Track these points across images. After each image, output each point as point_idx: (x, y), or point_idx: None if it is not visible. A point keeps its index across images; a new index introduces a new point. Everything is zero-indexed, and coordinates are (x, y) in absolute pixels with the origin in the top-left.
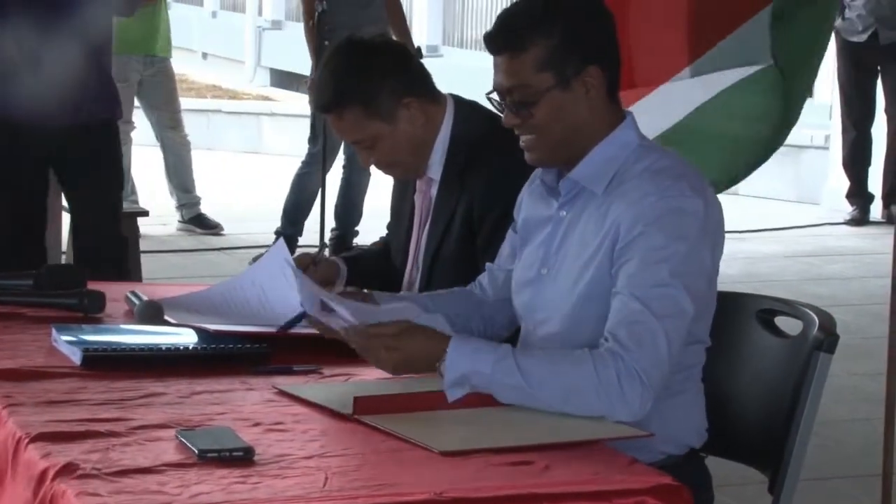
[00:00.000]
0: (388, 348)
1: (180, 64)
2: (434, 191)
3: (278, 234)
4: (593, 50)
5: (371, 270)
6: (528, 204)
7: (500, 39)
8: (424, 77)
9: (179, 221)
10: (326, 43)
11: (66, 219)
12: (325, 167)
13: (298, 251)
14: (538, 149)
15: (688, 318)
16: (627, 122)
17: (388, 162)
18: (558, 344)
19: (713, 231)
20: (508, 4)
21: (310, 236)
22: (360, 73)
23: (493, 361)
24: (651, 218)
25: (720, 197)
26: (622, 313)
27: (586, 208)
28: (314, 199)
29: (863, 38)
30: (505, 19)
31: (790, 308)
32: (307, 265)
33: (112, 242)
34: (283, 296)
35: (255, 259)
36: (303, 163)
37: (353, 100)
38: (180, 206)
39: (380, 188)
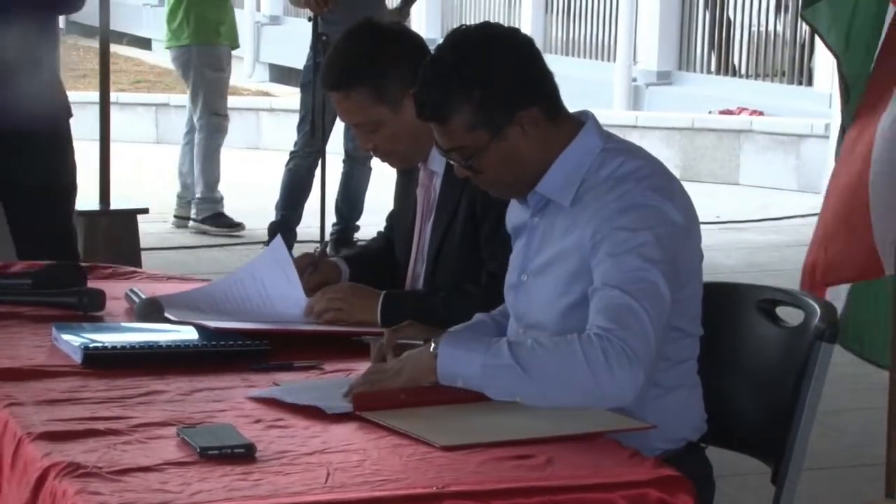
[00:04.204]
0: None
1: None
2: (437, 183)
3: (273, 226)
4: (517, 95)
5: (374, 268)
6: (512, 207)
7: (426, 111)
8: None
9: (193, 220)
10: (325, 38)
11: None
12: (324, 163)
13: (298, 248)
14: (498, 191)
15: (665, 300)
16: (587, 128)
17: (387, 150)
18: None
19: (677, 225)
20: None
21: (309, 232)
22: (373, 56)
23: (484, 350)
24: (611, 219)
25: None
26: (600, 303)
27: (558, 216)
28: (310, 188)
29: None
30: (423, 89)
31: (791, 298)
32: (306, 267)
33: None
34: (284, 292)
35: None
36: (292, 154)
37: (362, 82)
38: (200, 200)
39: (381, 183)
